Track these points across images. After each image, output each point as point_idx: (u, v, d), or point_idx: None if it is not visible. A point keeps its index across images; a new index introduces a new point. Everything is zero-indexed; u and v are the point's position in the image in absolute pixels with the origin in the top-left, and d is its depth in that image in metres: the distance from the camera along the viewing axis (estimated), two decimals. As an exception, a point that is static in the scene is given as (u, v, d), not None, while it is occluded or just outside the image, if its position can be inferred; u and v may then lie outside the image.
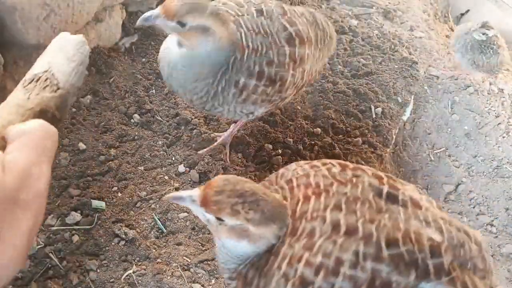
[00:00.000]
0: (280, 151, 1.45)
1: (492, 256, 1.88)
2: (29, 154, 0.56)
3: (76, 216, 1.14)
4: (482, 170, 2.02)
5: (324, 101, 1.62)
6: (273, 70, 1.12)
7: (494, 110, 2.17)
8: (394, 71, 1.86)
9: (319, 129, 1.53)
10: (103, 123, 1.37)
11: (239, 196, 0.70)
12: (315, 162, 0.83)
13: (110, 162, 1.27)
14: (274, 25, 1.14)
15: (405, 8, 2.24)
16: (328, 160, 0.83)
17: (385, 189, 0.76)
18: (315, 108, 1.59)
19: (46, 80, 0.87)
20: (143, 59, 1.57)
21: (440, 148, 2.03)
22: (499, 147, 2.07)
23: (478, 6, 2.59)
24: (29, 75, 0.85)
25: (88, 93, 1.42)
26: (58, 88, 0.84)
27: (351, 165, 0.81)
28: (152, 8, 1.73)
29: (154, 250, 1.13)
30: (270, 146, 1.45)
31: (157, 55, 1.58)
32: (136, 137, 1.36)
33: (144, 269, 1.09)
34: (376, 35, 1.98)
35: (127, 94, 1.45)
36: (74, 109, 1.36)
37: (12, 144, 0.57)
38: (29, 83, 0.84)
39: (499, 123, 2.15)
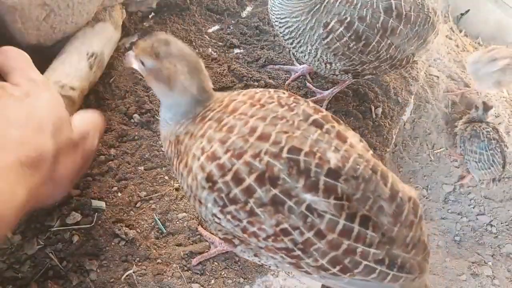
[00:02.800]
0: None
1: (492, 256, 1.88)
2: (90, 122, 0.91)
3: (76, 216, 1.14)
4: (482, 170, 2.02)
5: (324, 101, 1.62)
6: (362, 27, 1.19)
7: (494, 111, 2.17)
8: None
9: (319, 129, 1.53)
10: (103, 123, 1.36)
11: (155, 40, 0.81)
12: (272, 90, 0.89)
13: (110, 162, 1.27)
14: None
15: (405, 8, 2.24)
16: (282, 90, 0.90)
17: (315, 117, 0.80)
18: (315, 108, 1.59)
19: (99, 61, 1.23)
20: (143, 59, 1.57)
21: (440, 148, 2.03)
22: (499, 147, 2.06)
23: (478, 6, 2.59)
24: (87, 51, 1.23)
25: (88, 93, 1.42)
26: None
27: (299, 97, 0.87)
28: (152, 8, 1.73)
29: (154, 251, 1.13)
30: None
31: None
32: (136, 137, 1.36)
33: (145, 270, 1.09)
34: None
35: (127, 94, 1.45)
36: (74, 109, 1.36)
37: (79, 113, 0.92)
38: (91, 57, 1.20)
39: (499, 123, 2.15)
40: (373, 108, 1.66)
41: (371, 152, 0.82)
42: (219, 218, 0.78)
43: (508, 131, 2.14)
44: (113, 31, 1.41)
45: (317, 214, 0.71)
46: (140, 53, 0.82)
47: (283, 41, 1.34)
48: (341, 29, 1.20)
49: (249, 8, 1.88)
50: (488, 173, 1.85)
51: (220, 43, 1.71)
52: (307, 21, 1.21)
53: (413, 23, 1.27)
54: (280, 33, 1.30)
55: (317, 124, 0.79)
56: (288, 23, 1.24)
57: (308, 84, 1.62)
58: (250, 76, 1.60)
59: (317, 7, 1.19)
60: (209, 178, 0.76)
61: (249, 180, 0.72)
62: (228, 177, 0.74)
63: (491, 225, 1.97)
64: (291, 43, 1.30)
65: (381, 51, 1.26)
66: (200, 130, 0.80)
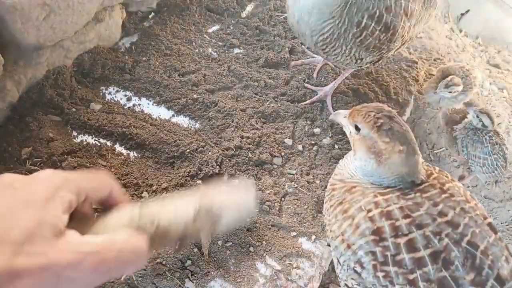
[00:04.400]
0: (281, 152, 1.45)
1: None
2: None
3: (76, 216, 1.14)
4: (482, 170, 2.01)
5: (324, 101, 1.62)
6: (389, 17, 1.23)
7: (494, 110, 2.17)
8: (394, 71, 1.86)
9: (318, 129, 1.52)
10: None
11: (379, 111, 0.82)
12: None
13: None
14: None
15: (405, 8, 2.24)
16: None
17: (489, 220, 0.83)
18: (315, 107, 1.58)
19: None
20: (143, 59, 1.57)
21: (440, 148, 2.03)
22: (499, 147, 2.06)
23: (478, 6, 2.59)
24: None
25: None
26: None
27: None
28: (152, 8, 1.73)
29: (153, 251, 1.13)
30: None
31: (157, 54, 1.59)
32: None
33: (144, 270, 1.09)
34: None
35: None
36: (73, 109, 1.36)
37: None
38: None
39: (499, 123, 2.14)
40: (373, 108, 1.66)
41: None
42: (363, 268, 0.79)
43: (508, 131, 2.14)
44: None
45: None
46: (359, 120, 0.83)
47: (315, 48, 1.32)
48: (373, 24, 1.22)
49: (249, 8, 1.88)
50: (492, 176, 1.87)
51: (220, 43, 1.71)
52: (340, 24, 1.21)
53: (423, 1, 1.33)
54: (315, 41, 1.27)
55: (493, 229, 0.81)
56: (325, 28, 1.22)
57: (306, 84, 1.62)
58: (250, 76, 1.60)
59: (347, 8, 1.20)
60: (377, 232, 0.77)
61: (424, 253, 0.73)
62: (401, 240, 0.75)
63: (491, 225, 1.97)
64: (324, 49, 1.29)
65: (404, 34, 1.31)
66: (381, 196, 0.81)
